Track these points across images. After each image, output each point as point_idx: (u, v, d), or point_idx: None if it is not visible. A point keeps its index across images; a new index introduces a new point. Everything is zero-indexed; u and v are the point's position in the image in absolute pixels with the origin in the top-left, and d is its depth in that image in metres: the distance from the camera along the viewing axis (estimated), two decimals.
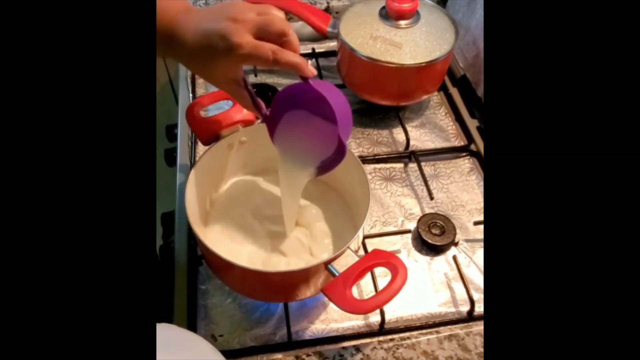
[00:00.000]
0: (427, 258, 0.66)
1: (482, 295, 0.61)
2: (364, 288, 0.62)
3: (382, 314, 0.58)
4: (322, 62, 0.89)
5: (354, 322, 0.59)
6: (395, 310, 0.60)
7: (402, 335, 0.58)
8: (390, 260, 0.51)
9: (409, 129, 0.79)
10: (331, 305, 0.60)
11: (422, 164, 0.74)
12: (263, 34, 0.47)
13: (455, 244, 0.67)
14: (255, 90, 0.82)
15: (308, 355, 0.56)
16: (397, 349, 0.56)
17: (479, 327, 0.59)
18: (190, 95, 0.84)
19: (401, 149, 0.78)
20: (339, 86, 0.83)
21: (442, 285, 0.63)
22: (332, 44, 0.90)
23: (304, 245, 0.61)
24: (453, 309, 0.61)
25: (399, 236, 0.67)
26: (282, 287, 0.55)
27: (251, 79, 0.87)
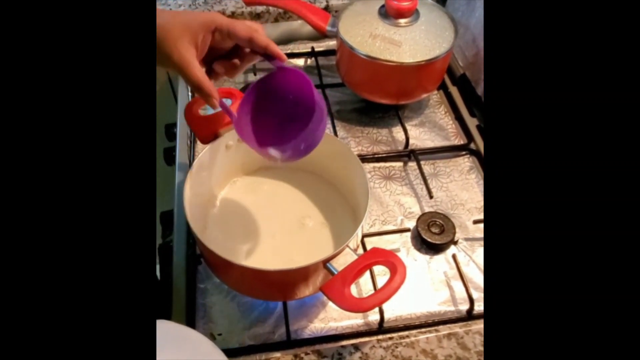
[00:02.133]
0: (427, 257, 0.66)
1: (481, 294, 0.61)
2: (363, 287, 0.62)
3: (381, 312, 0.58)
4: (322, 61, 0.89)
5: (353, 320, 0.59)
6: (395, 309, 0.60)
7: (401, 334, 0.58)
8: (389, 259, 0.51)
9: (408, 127, 0.79)
10: (330, 304, 0.60)
11: (422, 162, 0.74)
12: None
13: (455, 243, 0.67)
14: None
15: (307, 354, 0.56)
16: (396, 347, 0.56)
17: (478, 325, 0.58)
18: (189, 94, 0.83)
19: (401, 147, 0.77)
20: (339, 85, 0.84)
21: (442, 284, 0.63)
22: (331, 43, 0.90)
23: (303, 243, 0.61)
24: (452, 308, 0.61)
25: (398, 235, 0.67)
26: (281, 285, 0.55)
27: (250, 77, 0.87)
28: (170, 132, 0.83)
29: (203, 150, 0.61)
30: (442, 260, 0.65)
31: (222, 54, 0.54)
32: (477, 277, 0.63)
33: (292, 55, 0.91)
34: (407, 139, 0.77)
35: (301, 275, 0.53)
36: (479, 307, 0.60)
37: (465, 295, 0.60)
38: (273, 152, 0.52)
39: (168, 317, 0.59)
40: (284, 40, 0.94)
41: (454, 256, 0.64)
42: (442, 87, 0.86)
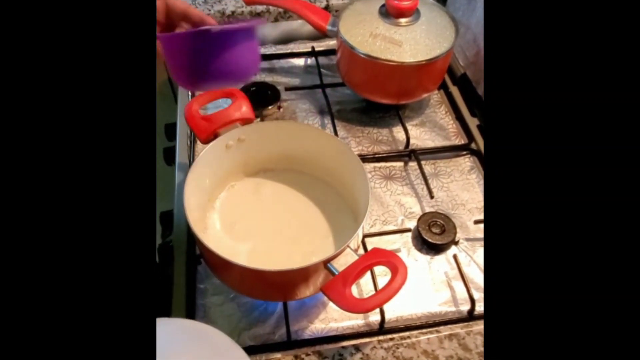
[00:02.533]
0: (427, 257, 0.65)
1: (482, 295, 0.61)
2: (364, 287, 0.62)
3: (382, 313, 0.58)
4: (322, 60, 0.89)
5: (354, 321, 0.59)
6: (395, 310, 0.60)
7: (402, 334, 0.57)
8: (390, 259, 0.51)
9: (409, 127, 0.78)
10: (331, 304, 0.60)
11: (422, 162, 0.74)
12: None
13: (456, 243, 0.66)
14: (254, 89, 0.82)
15: (307, 354, 0.55)
16: (397, 348, 0.56)
17: (479, 326, 0.58)
18: (189, 93, 0.83)
19: (401, 147, 0.77)
20: (339, 85, 0.84)
21: (443, 285, 0.63)
22: (332, 43, 0.90)
23: (304, 244, 0.61)
24: (453, 308, 0.61)
25: (399, 235, 0.67)
26: (281, 285, 0.55)
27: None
28: (170, 131, 0.82)
29: (202, 150, 0.61)
30: (443, 261, 0.65)
31: None
32: (478, 277, 0.63)
33: (292, 55, 0.91)
34: (408, 138, 0.76)
35: (302, 275, 0.52)
36: (480, 307, 0.60)
37: (466, 295, 0.60)
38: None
39: (168, 317, 0.59)
40: (284, 40, 0.94)
41: (454, 256, 0.64)
42: (443, 86, 0.86)
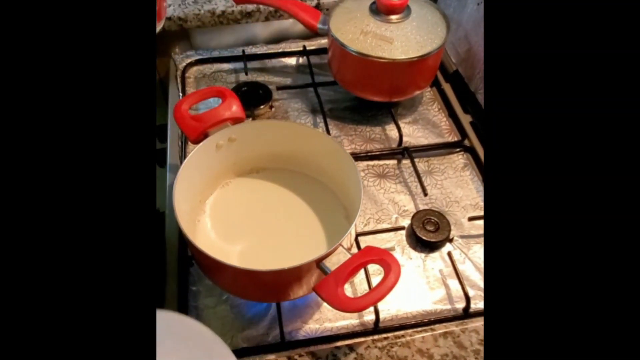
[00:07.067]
0: (422, 255, 0.65)
1: (477, 292, 0.61)
2: (358, 287, 0.61)
3: (377, 312, 0.57)
4: (314, 59, 0.89)
5: (349, 321, 0.58)
6: (390, 309, 0.59)
7: (396, 333, 0.57)
8: (382, 257, 0.50)
9: (401, 125, 0.78)
10: (325, 304, 0.59)
11: (416, 160, 0.73)
12: None
13: (450, 240, 0.66)
14: (246, 88, 0.82)
15: (300, 355, 0.55)
16: (392, 347, 0.55)
17: (474, 324, 0.58)
18: (180, 94, 0.83)
19: (394, 145, 0.77)
20: (331, 83, 0.83)
21: (437, 282, 0.62)
22: (323, 41, 0.90)
23: (296, 243, 0.60)
24: (449, 306, 0.60)
25: (392, 233, 0.66)
26: (274, 286, 0.54)
27: (242, 77, 0.86)
28: (161, 133, 0.82)
29: (193, 150, 0.60)
30: (437, 258, 0.64)
31: None
32: (473, 274, 0.63)
33: (283, 54, 0.91)
34: (401, 136, 0.76)
35: (294, 275, 0.52)
36: (475, 305, 0.59)
37: (461, 293, 0.60)
38: None
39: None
40: (275, 39, 0.94)
41: (449, 254, 0.63)
42: (435, 84, 0.85)
